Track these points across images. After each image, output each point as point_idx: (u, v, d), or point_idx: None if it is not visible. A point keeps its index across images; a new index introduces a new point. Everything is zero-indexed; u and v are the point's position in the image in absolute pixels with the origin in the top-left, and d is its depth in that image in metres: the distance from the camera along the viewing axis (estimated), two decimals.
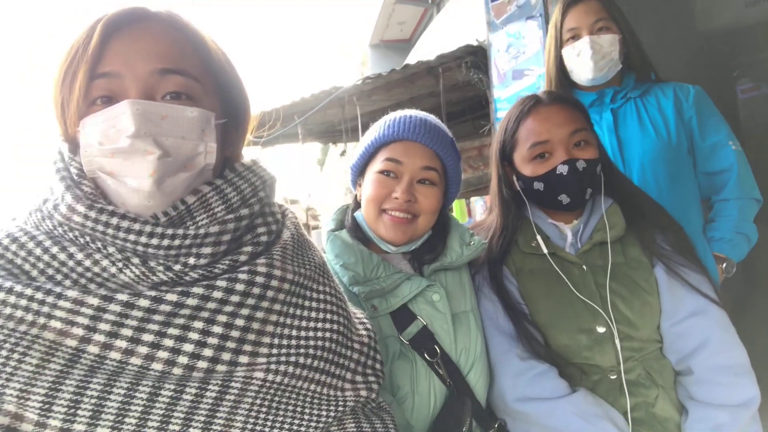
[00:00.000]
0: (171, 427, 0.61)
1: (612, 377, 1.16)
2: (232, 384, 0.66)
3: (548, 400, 1.12)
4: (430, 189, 1.16)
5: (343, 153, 6.83)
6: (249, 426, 0.66)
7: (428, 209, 1.16)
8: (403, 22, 13.74)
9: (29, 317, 0.60)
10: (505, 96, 2.73)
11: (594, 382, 1.17)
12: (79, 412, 0.57)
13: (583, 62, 1.65)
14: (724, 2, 3.47)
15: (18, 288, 0.61)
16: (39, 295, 0.61)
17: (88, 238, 0.67)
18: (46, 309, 0.60)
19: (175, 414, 0.62)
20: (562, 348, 1.18)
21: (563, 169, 1.21)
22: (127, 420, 0.59)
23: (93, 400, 0.58)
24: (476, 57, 3.21)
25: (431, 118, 1.22)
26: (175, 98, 0.71)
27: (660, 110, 1.68)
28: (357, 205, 1.26)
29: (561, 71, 1.74)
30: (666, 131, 1.66)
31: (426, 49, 5.94)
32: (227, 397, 0.65)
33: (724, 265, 1.66)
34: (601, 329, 1.17)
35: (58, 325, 0.60)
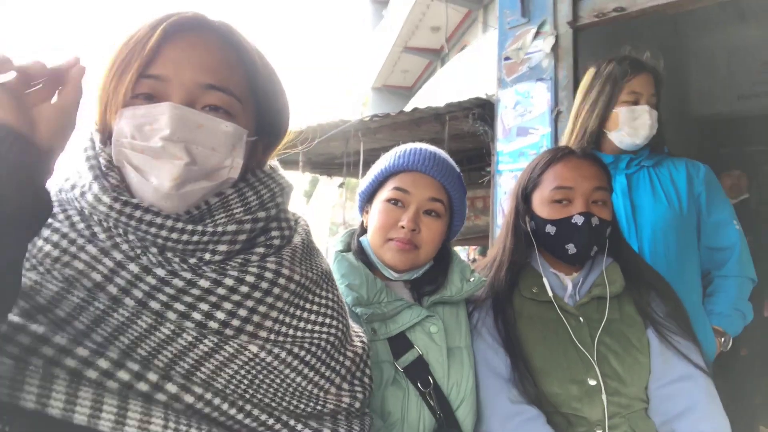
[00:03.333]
0: (156, 362, 0.63)
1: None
2: (225, 347, 0.68)
3: None
4: (435, 221, 1.18)
5: (341, 185, 6.86)
6: (228, 391, 0.68)
7: (430, 241, 1.17)
8: (407, 71, 14.20)
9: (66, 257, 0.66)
10: (507, 150, 2.80)
11: None
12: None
13: (640, 127, 1.68)
14: (719, 93, 3.68)
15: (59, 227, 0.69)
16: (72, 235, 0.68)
17: (111, 223, 0.69)
18: (73, 249, 0.66)
19: (164, 352, 0.64)
20: (553, 396, 1.19)
21: (579, 220, 1.24)
22: (119, 341, 0.62)
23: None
24: (483, 110, 3.31)
25: (440, 151, 1.25)
26: (213, 110, 0.73)
27: (672, 182, 1.73)
28: (362, 230, 1.28)
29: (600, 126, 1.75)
30: (678, 202, 1.71)
31: (427, 98, 6.11)
32: (216, 356, 0.67)
33: (723, 339, 1.70)
34: (592, 382, 1.18)
35: (80, 266, 0.65)
